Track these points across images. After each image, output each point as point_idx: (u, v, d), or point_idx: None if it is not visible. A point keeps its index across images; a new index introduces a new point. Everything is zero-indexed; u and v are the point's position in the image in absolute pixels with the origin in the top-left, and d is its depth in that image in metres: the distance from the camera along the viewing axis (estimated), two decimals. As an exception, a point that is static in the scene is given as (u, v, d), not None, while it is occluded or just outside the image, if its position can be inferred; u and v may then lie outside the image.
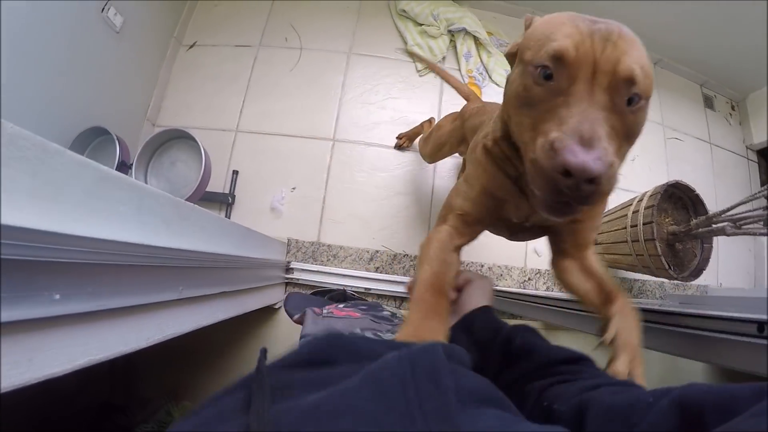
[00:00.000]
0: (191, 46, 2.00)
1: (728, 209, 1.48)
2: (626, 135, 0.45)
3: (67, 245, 0.41)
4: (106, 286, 0.49)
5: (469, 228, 0.65)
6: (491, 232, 0.74)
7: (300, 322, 0.82)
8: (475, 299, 0.58)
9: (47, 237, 0.39)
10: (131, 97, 1.76)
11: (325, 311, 1.28)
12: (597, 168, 0.38)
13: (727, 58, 2.17)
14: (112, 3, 1.51)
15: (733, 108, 2.39)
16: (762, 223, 1.30)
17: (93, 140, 1.56)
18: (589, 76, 0.42)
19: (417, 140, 1.74)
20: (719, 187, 2.17)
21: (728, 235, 1.47)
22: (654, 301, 2.00)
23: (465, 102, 1.39)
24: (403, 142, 1.79)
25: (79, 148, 1.50)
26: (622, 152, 0.45)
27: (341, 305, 1.31)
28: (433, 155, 1.45)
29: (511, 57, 0.53)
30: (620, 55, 0.42)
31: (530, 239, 0.75)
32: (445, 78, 1.68)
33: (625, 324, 0.53)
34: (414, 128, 1.76)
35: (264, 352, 0.29)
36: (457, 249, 0.64)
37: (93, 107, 1.54)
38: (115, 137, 1.51)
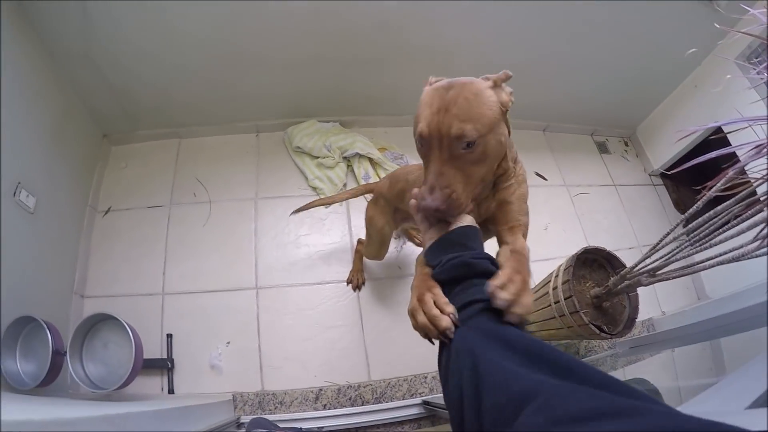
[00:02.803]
0: (106, 212, 1.98)
1: (637, 264, 1.52)
2: (474, 164, 0.63)
3: None
4: None
5: None
6: None
7: None
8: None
9: None
10: (55, 274, 1.71)
11: None
12: (435, 204, 0.61)
13: (608, 102, 2.30)
14: (22, 186, 1.48)
15: (626, 144, 2.51)
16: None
17: (23, 329, 1.50)
18: (437, 142, 0.61)
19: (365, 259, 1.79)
20: (635, 222, 2.25)
21: (645, 285, 1.50)
22: (606, 352, 2.02)
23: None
24: (355, 278, 1.81)
25: (10, 340, 1.43)
26: (475, 175, 0.65)
27: None
28: (382, 247, 1.52)
29: None
30: (452, 120, 0.60)
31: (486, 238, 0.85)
32: (350, 197, 1.72)
33: (517, 260, 0.64)
34: (354, 260, 1.80)
35: None
36: None
37: (18, 293, 1.47)
38: (43, 324, 1.46)
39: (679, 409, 0.66)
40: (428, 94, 0.65)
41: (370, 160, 1.95)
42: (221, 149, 2.07)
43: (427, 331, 0.54)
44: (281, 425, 1.57)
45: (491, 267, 0.57)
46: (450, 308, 0.53)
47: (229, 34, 1.68)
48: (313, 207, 1.66)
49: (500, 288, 0.51)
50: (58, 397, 1.42)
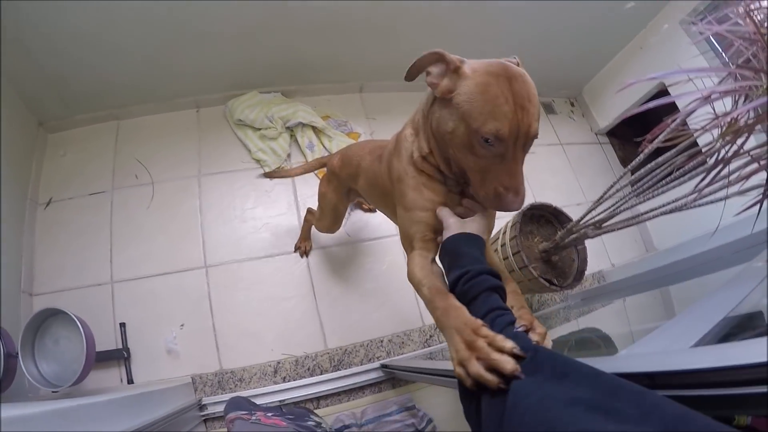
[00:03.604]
0: (48, 204, 1.88)
1: (582, 217, 1.54)
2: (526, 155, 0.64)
3: None
4: None
5: (433, 240, 0.75)
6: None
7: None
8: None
9: None
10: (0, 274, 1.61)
11: (253, 417, 1.23)
12: (520, 206, 0.64)
13: (553, 64, 2.31)
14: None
15: (572, 105, 2.54)
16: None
17: (-30, 335, 1.43)
18: (514, 141, 0.60)
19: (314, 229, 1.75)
20: (583, 180, 2.29)
21: (591, 238, 1.53)
22: (559, 305, 2.06)
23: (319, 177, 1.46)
24: (303, 245, 1.78)
25: (-40, 346, 1.36)
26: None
27: (269, 413, 1.27)
28: (335, 222, 1.48)
29: (443, 95, 0.66)
30: (531, 121, 0.60)
31: None
32: (299, 173, 1.69)
33: (517, 298, 0.68)
34: (302, 228, 1.76)
35: None
36: (433, 260, 0.75)
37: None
38: None
39: (629, 349, 0.67)
40: (492, 85, 0.60)
41: (314, 128, 1.91)
42: (161, 128, 1.98)
43: (484, 381, 0.45)
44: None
45: (495, 280, 0.60)
46: (509, 344, 0.46)
47: (164, 10, 1.59)
48: (275, 176, 1.63)
49: (529, 330, 0.59)
50: (16, 402, 1.37)
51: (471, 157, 0.64)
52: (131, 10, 1.56)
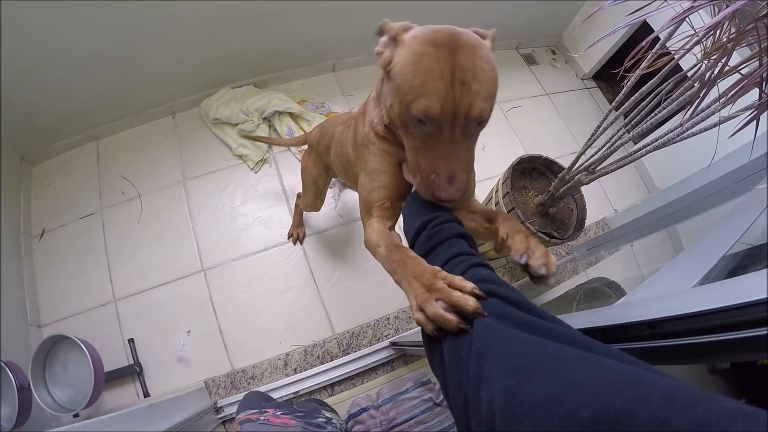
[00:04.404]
0: (41, 235, 1.86)
1: (573, 163, 1.47)
2: (476, 139, 0.56)
3: None
4: None
5: (394, 209, 0.70)
6: None
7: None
8: None
9: None
10: (5, 311, 1.59)
11: (262, 417, 1.20)
12: (456, 195, 0.55)
13: (528, 12, 2.21)
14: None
15: (554, 53, 2.44)
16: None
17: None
18: (451, 121, 0.51)
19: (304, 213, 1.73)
20: (574, 127, 2.20)
21: (586, 183, 1.46)
22: (564, 258, 2.00)
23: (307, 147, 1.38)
24: (296, 232, 1.73)
25: (-27, 390, 1.36)
26: (474, 152, 0.57)
27: (279, 411, 1.24)
28: (317, 198, 1.42)
29: (385, 67, 0.57)
30: (473, 99, 0.50)
31: None
32: (285, 143, 1.66)
33: (508, 224, 0.62)
34: (293, 215, 1.72)
35: None
36: (392, 228, 0.69)
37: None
38: (2, 364, 1.38)
39: (627, 297, 0.59)
40: (428, 55, 0.50)
41: (291, 114, 1.85)
42: (140, 140, 1.94)
43: (444, 322, 0.42)
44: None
45: (461, 228, 0.55)
46: (469, 284, 0.43)
47: (120, 19, 1.54)
48: (261, 141, 1.66)
49: (527, 256, 0.53)
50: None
51: (408, 137, 0.57)
52: (84, 27, 1.52)
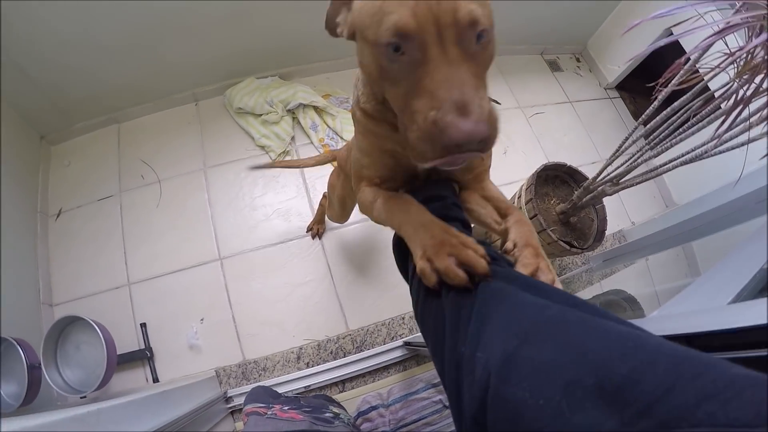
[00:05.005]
0: (58, 215, 1.86)
1: (599, 174, 1.46)
2: (484, 68, 0.42)
3: None
4: None
5: (385, 186, 0.63)
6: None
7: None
8: None
9: None
10: (19, 288, 1.60)
11: (269, 412, 1.19)
12: (482, 130, 0.37)
13: (555, 19, 2.19)
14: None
15: (578, 60, 2.42)
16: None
17: (-6, 350, 1.42)
18: (436, 36, 0.38)
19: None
20: (595, 137, 2.18)
21: (610, 195, 1.44)
22: (580, 268, 1.98)
23: (334, 166, 1.34)
24: (316, 227, 1.71)
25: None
26: (485, 87, 0.42)
27: (286, 407, 1.23)
28: (343, 213, 1.37)
29: (352, 36, 0.49)
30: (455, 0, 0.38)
31: None
32: (303, 165, 1.61)
33: (521, 230, 0.54)
34: (317, 211, 1.69)
35: None
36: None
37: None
38: (13, 342, 1.38)
39: (661, 310, 0.58)
40: None
41: (315, 108, 1.83)
42: (162, 125, 1.93)
43: (453, 277, 0.40)
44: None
45: (462, 214, 0.53)
46: (481, 248, 0.42)
47: (148, 3, 1.53)
48: (280, 167, 1.56)
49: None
50: (43, 411, 1.38)
51: (391, 88, 0.44)
52: (111, 8, 1.50)
